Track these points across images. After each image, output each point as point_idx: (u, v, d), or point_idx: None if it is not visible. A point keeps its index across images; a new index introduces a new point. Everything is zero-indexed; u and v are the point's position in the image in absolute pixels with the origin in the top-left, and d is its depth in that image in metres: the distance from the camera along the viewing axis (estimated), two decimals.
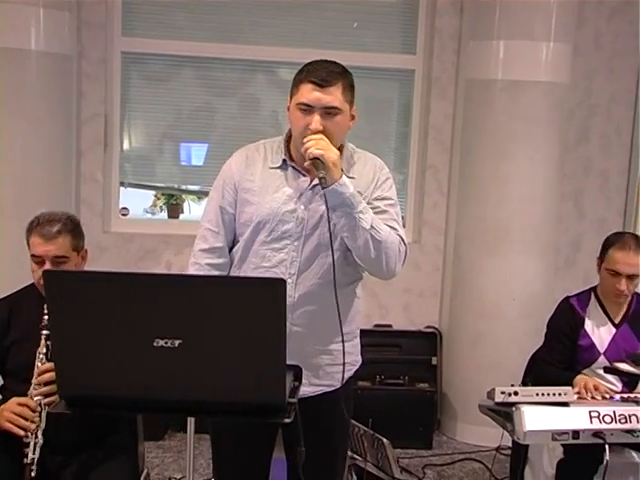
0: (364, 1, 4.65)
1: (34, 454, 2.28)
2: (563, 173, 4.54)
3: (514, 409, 2.66)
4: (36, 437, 2.30)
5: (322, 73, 2.26)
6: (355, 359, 2.50)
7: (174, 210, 4.85)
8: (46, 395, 2.32)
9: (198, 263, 2.39)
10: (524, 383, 3.54)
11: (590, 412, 2.66)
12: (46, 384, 2.34)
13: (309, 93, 2.25)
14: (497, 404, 2.71)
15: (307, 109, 2.25)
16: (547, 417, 2.64)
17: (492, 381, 4.35)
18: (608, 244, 3.20)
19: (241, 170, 2.39)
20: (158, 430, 4.32)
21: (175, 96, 4.60)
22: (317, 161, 2.19)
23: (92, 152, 4.46)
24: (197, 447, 4.27)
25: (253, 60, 4.58)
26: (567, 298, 3.38)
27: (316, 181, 2.29)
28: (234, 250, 2.43)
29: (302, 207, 2.33)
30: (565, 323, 3.28)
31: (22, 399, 2.36)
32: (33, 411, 2.34)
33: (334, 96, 2.25)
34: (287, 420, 1.65)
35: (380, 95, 4.84)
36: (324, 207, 2.27)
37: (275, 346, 1.58)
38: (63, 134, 4.21)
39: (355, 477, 3.50)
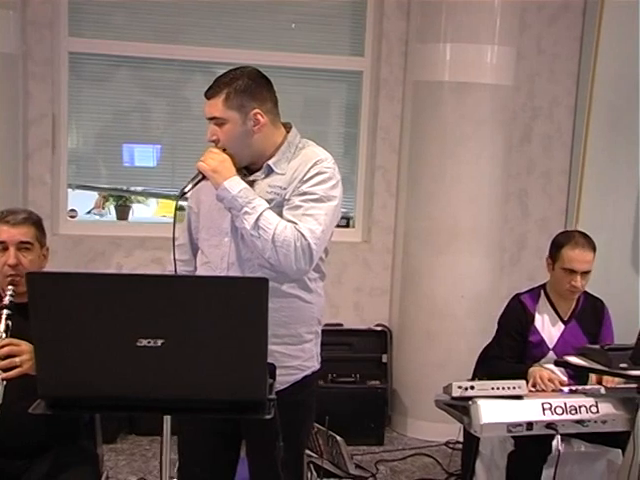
0: (312, 3, 4.69)
1: None
2: (508, 173, 4.65)
3: (471, 403, 2.73)
4: None
5: (212, 85, 2.39)
6: (302, 364, 2.46)
7: (123, 212, 4.81)
8: (4, 370, 2.25)
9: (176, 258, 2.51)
10: (474, 378, 3.62)
11: (543, 404, 2.76)
12: (4, 358, 2.27)
13: (205, 107, 2.38)
14: (454, 398, 2.78)
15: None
16: (502, 410, 2.72)
17: (441, 377, 4.44)
18: (559, 244, 3.30)
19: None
20: (109, 433, 4.28)
21: (120, 97, 4.58)
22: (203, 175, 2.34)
23: (39, 153, 4.39)
24: (149, 449, 4.28)
25: (196, 61, 4.58)
26: (517, 295, 3.48)
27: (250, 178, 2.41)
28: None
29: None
30: (516, 319, 3.38)
31: None
32: None
33: (214, 107, 2.35)
34: (268, 416, 1.68)
35: (327, 97, 4.90)
36: None
37: (257, 344, 1.61)
38: (10, 135, 4.14)
39: (315, 474, 3.54)
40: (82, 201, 4.95)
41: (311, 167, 2.36)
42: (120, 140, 4.67)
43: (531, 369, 3.12)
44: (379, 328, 4.85)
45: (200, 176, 2.33)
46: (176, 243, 2.48)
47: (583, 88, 4.81)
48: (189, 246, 2.58)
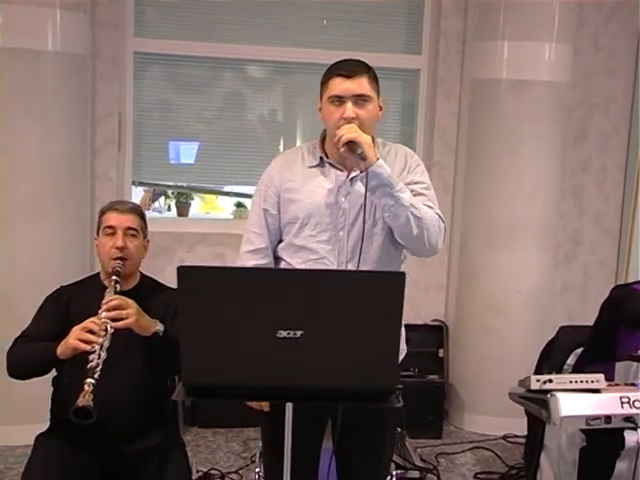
0: (370, 1, 4.75)
1: (97, 365, 2.28)
2: (564, 170, 4.68)
3: (549, 396, 2.77)
4: (101, 349, 2.31)
5: (348, 66, 2.43)
6: (402, 347, 2.61)
7: (183, 208, 4.91)
8: (113, 320, 2.38)
9: (245, 265, 2.51)
10: (539, 373, 3.65)
11: (621, 397, 2.78)
12: (114, 310, 2.41)
13: (339, 85, 2.40)
14: (532, 391, 2.82)
15: (339, 101, 2.40)
16: (581, 403, 2.75)
17: (498, 372, 4.56)
18: None
19: (281, 173, 2.55)
20: None
21: (187, 97, 4.68)
22: (352, 144, 2.32)
23: (106, 151, 4.50)
24: (213, 441, 4.38)
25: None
26: (621, 286, 3.47)
27: (354, 173, 2.45)
28: (279, 248, 2.56)
29: (343, 199, 2.48)
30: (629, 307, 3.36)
31: (87, 321, 2.40)
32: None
33: (362, 84, 2.40)
34: (399, 404, 1.76)
35: (384, 94, 4.91)
36: (363, 197, 2.39)
37: (392, 335, 1.69)
38: (78, 134, 4.24)
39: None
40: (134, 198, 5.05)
41: (410, 159, 2.52)
42: (167, 137, 4.77)
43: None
44: (435, 323, 4.91)
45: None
46: (251, 248, 2.53)
47: None
48: (270, 250, 2.57)
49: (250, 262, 2.52)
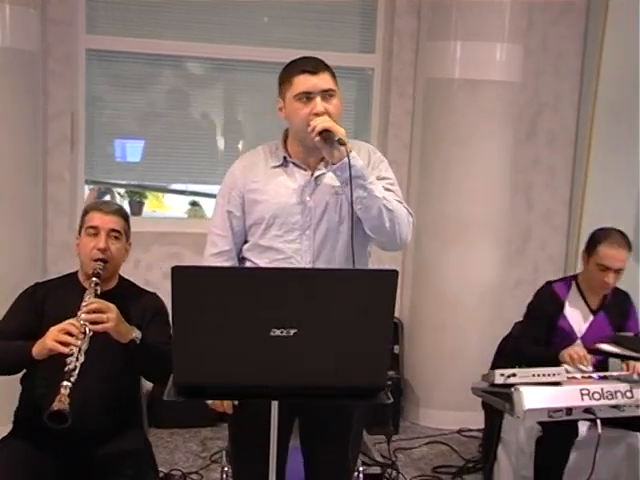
0: (324, 0, 4.77)
1: (74, 369, 2.24)
2: (515, 167, 4.78)
3: (513, 390, 2.85)
4: (79, 352, 2.28)
5: (310, 63, 2.43)
6: None
7: (137, 207, 4.86)
8: (92, 322, 2.35)
9: None
10: (495, 368, 3.73)
11: (581, 390, 2.88)
12: (94, 312, 2.37)
13: (306, 81, 2.40)
14: (496, 385, 2.88)
15: (307, 97, 2.39)
16: (543, 396, 2.84)
17: (452, 367, 4.64)
18: (596, 240, 3.42)
19: (244, 175, 2.54)
20: None
21: (130, 94, 4.66)
22: (327, 133, 2.32)
23: (58, 150, 4.42)
24: (171, 441, 4.35)
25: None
26: (549, 283, 3.60)
27: (318, 172, 2.48)
28: (244, 248, 2.55)
29: (308, 198, 2.48)
30: (547, 305, 3.50)
31: (65, 322, 2.35)
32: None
33: (327, 79, 2.42)
34: (388, 401, 1.79)
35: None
36: (328, 195, 2.45)
37: (383, 333, 1.72)
38: (30, 132, 4.16)
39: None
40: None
41: (373, 155, 2.54)
42: (113, 135, 4.73)
43: (562, 351, 3.24)
44: None
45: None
46: (215, 251, 2.52)
47: (587, 85, 4.95)
48: (235, 252, 2.56)
49: (215, 265, 2.50)
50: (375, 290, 1.73)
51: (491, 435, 3.71)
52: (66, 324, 2.32)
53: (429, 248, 4.72)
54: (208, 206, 4.84)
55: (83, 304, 2.40)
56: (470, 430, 4.59)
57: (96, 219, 2.63)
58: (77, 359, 2.24)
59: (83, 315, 2.35)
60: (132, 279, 2.81)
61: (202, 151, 4.79)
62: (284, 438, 2.61)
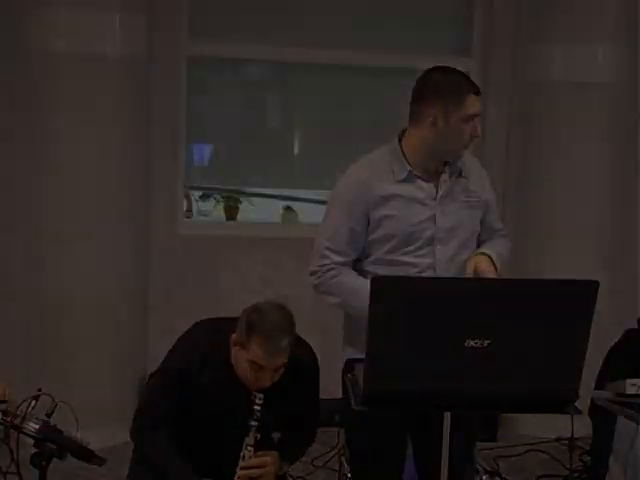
0: (422, 3, 4.74)
1: None
2: (616, 174, 4.65)
3: None
4: None
5: (473, 82, 2.49)
6: None
7: (232, 212, 4.91)
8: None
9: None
10: (604, 376, 3.64)
11: None
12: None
13: (477, 103, 2.43)
14: (624, 395, 2.81)
15: (472, 119, 2.41)
16: None
17: None
18: None
19: (369, 189, 2.45)
20: None
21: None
22: None
23: (161, 157, 4.47)
24: None
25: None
26: None
27: (442, 186, 2.48)
28: (368, 261, 2.50)
29: (439, 212, 2.47)
30: None
31: None
32: None
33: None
34: (579, 412, 1.80)
35: None
36: (458, 207, 2.48)
37: (579, 343, 1.71)
38: (135, 139, 4.22)
39: None
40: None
41: (481, 168, 2.69)
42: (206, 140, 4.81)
43: None
44: None
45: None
46: (341, 259, 2.46)
47: None
48: (351, 264, 2.50)
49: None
50: (574, 301, 1.72)
51: (602, 445, 3.63)
52: None
53: (523, 256, 4.62)
54: (302, 211, 4.88)
55: (243, 463, 2.35)
56: (568, 439, 4.47)
57: (262, 360, 2.33)
58: None
59: (241, 472, 2.34)
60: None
61: (295, 155, 4.79)
62: (399, 447, 2.57)
